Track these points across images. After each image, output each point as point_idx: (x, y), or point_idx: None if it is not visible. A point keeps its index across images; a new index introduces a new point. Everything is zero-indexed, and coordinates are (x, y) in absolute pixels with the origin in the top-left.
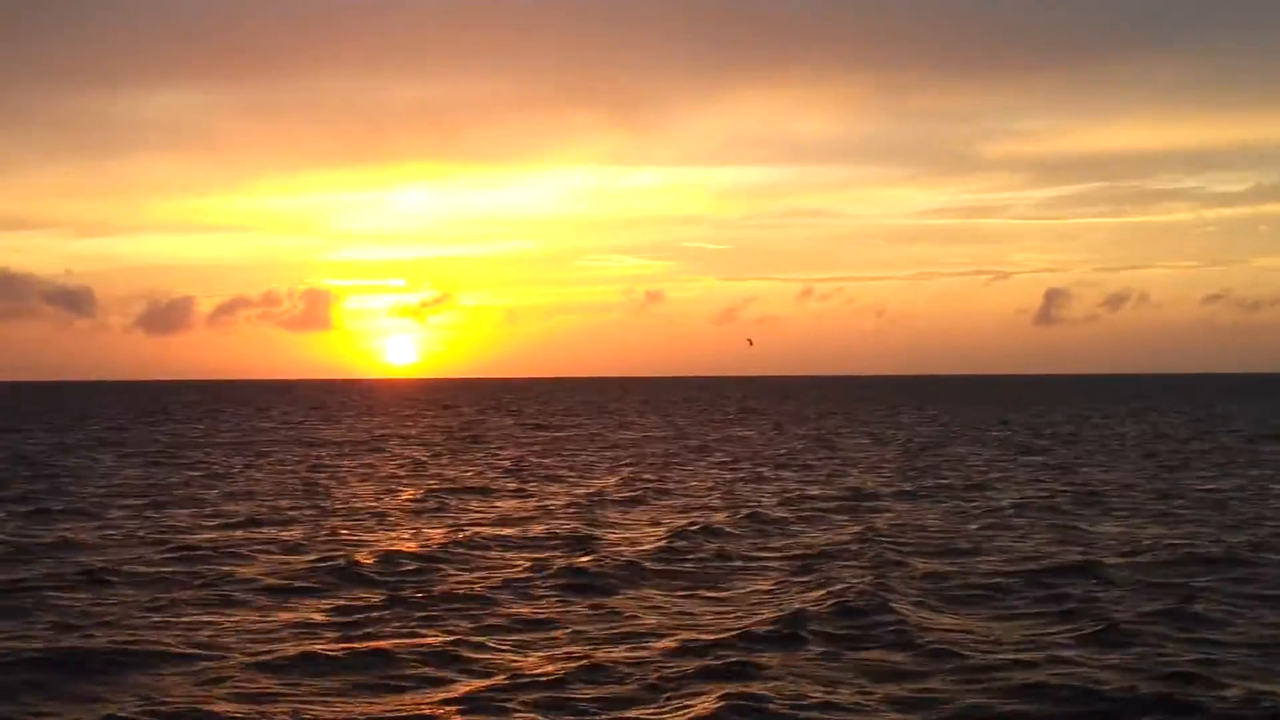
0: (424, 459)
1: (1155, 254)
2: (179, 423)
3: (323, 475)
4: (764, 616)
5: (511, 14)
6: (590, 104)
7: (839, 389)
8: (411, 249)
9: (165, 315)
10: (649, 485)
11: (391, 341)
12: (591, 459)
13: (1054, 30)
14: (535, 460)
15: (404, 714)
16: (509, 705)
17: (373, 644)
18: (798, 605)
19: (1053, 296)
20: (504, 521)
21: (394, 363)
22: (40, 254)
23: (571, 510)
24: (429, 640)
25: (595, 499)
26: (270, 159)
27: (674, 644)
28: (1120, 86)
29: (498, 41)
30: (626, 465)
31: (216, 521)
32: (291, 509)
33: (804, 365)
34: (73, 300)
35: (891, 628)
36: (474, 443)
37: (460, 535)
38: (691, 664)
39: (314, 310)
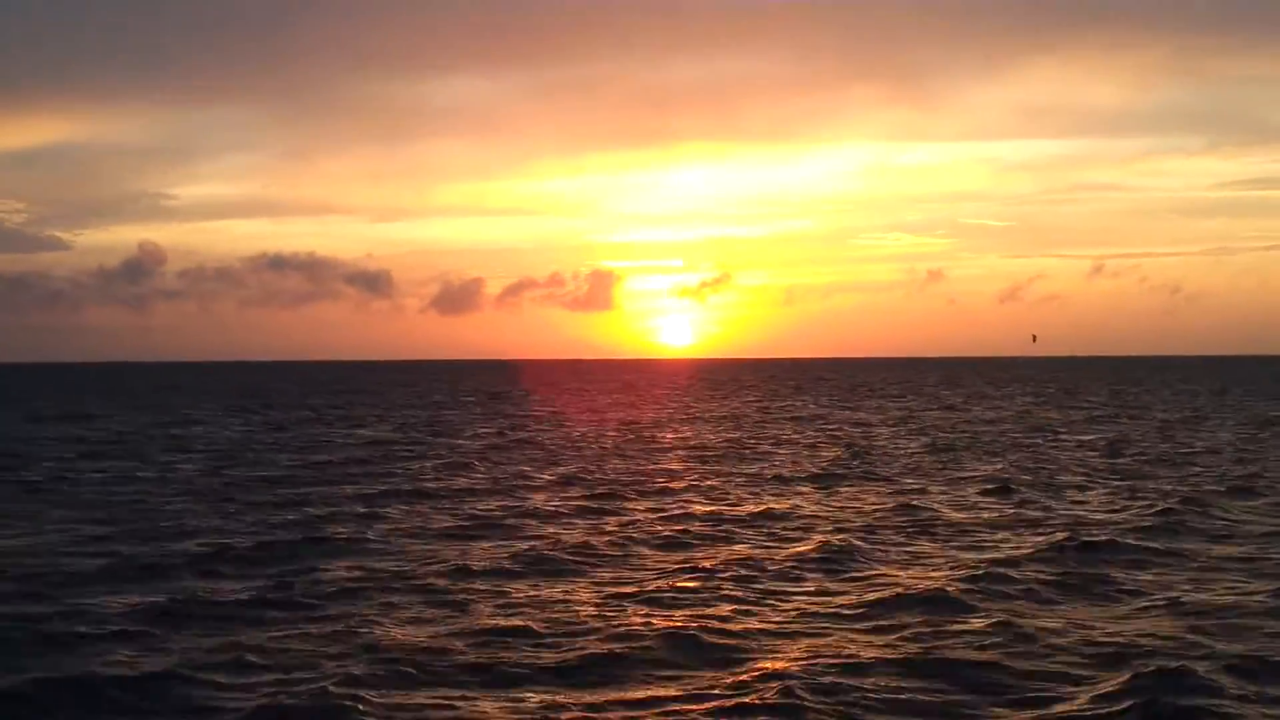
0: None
1: None
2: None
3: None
4: None
5: None
6: (870, 79)
7: (1176, 370)
8: (690, 229)
9: (456, 296)
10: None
11: (671, 321)
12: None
13: None
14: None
15: None
16: None
17: None
18: None
19: None
20: None
21: (674, 343)
22: (343, 238)
23: None
24: None
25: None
26: (552, 142)
27: None
28: None
29: (778, 19)
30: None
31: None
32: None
33: (1092, 345)
34: (372, 282)
35: None
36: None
37: None
38: None
39: (597, 291)
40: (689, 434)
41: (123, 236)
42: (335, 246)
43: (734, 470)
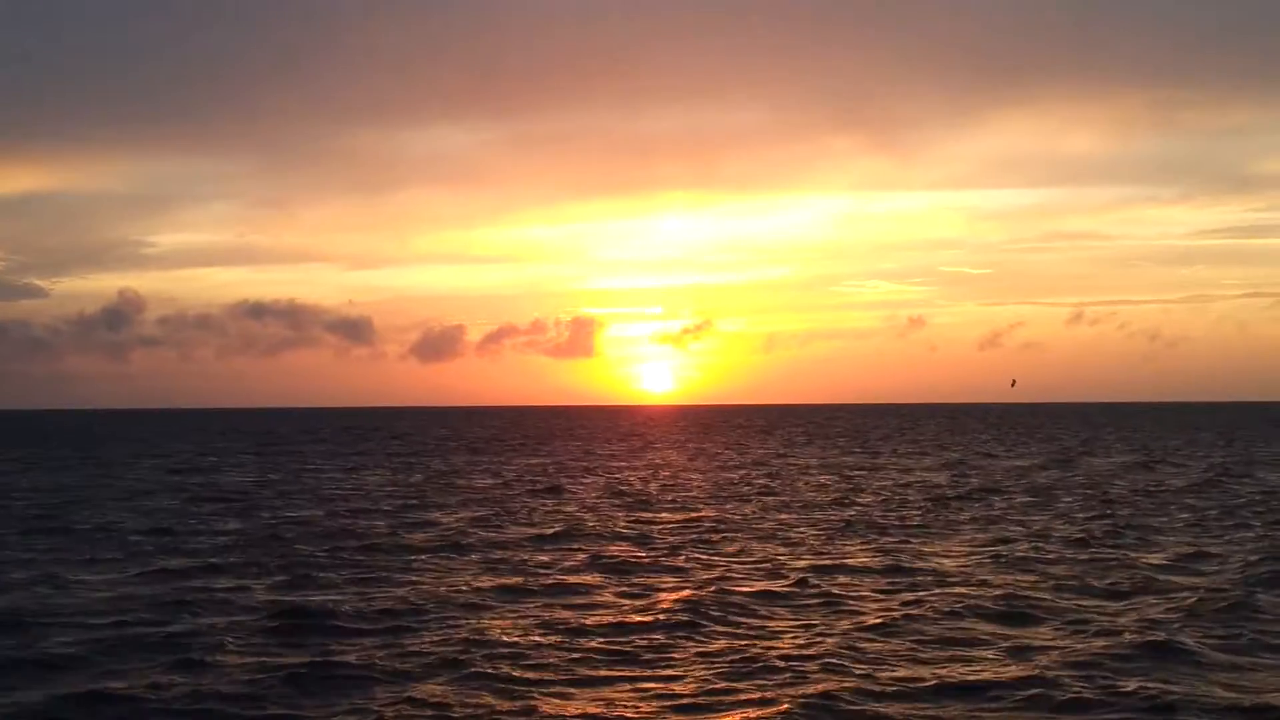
0: None
1: None
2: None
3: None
4: None
5: (769, 43)
6: (848, 130)
7: (1159, 419)
8: (670, 276)
9: (437, 343)
10: None
11: (653, 368)
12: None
13: None
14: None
15: None
16: None
17: None
18: None
19: None
20: None
21: (655, 389)
22: (323, 286)
23: None
24: None
25: None
26: (533, 190)
27: None
28: None
29: (756, 72)
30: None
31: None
32: None
33: (1071, 392)
34: (354, 329)
35: None
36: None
37: None
38: None
39: (578, 338)
40: (776, 481)
41: (101, 284)
42: (316, 294)
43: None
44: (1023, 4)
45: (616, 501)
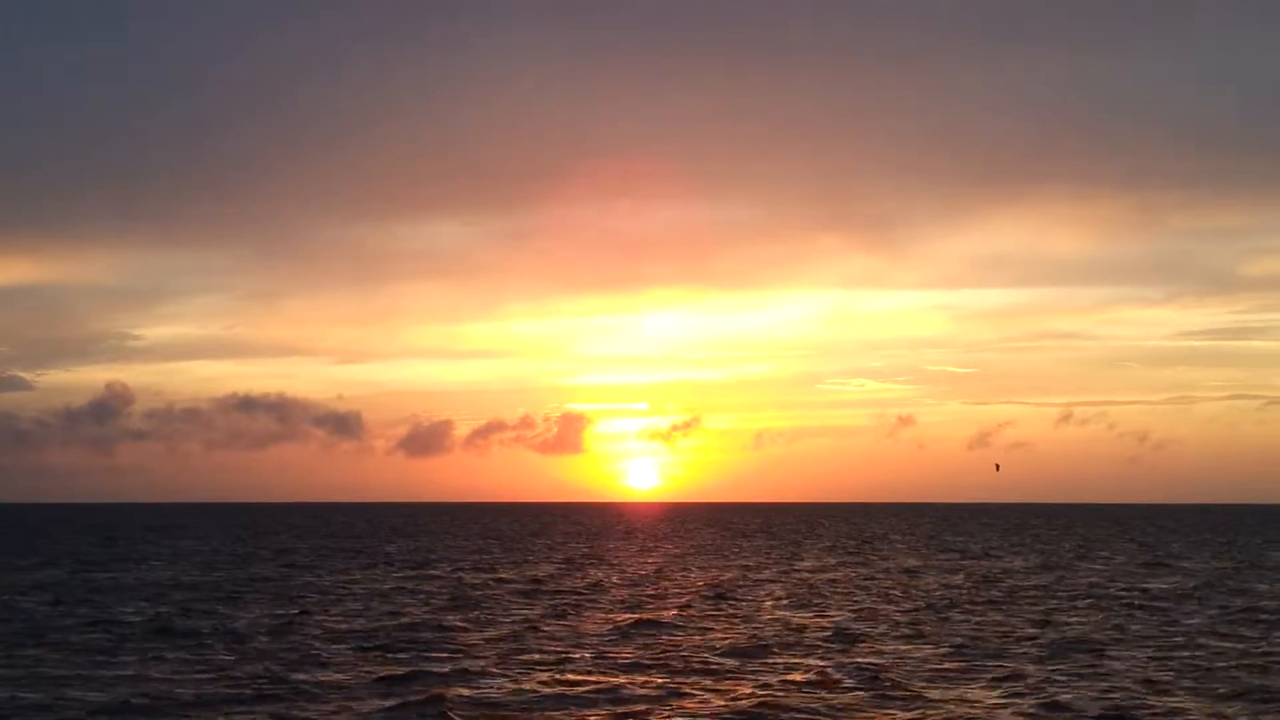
0: None
1: None
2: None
3: None
4: None
5: (758, 141)
6: (836, 228)
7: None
8: (658, 373)
9: (426, 438)
10: None
11: (643, 464)
12: None
13: None
14: None
15: None
16: None
17: None
18: None
19: None
20: None
21: (643, 486)
22: (311, 379)
23: None
24: None
25: None
26: (522, 285)
27: None
28: None
29: (745, 169)
30: None
31: None
32: None
33: (1061, 492)
34: (342, 424)
35: None
36: None
37: None
38: None
39: (566, 434)
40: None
41: (87, 377)
42: (304, 387)
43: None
44: (1009, 107)
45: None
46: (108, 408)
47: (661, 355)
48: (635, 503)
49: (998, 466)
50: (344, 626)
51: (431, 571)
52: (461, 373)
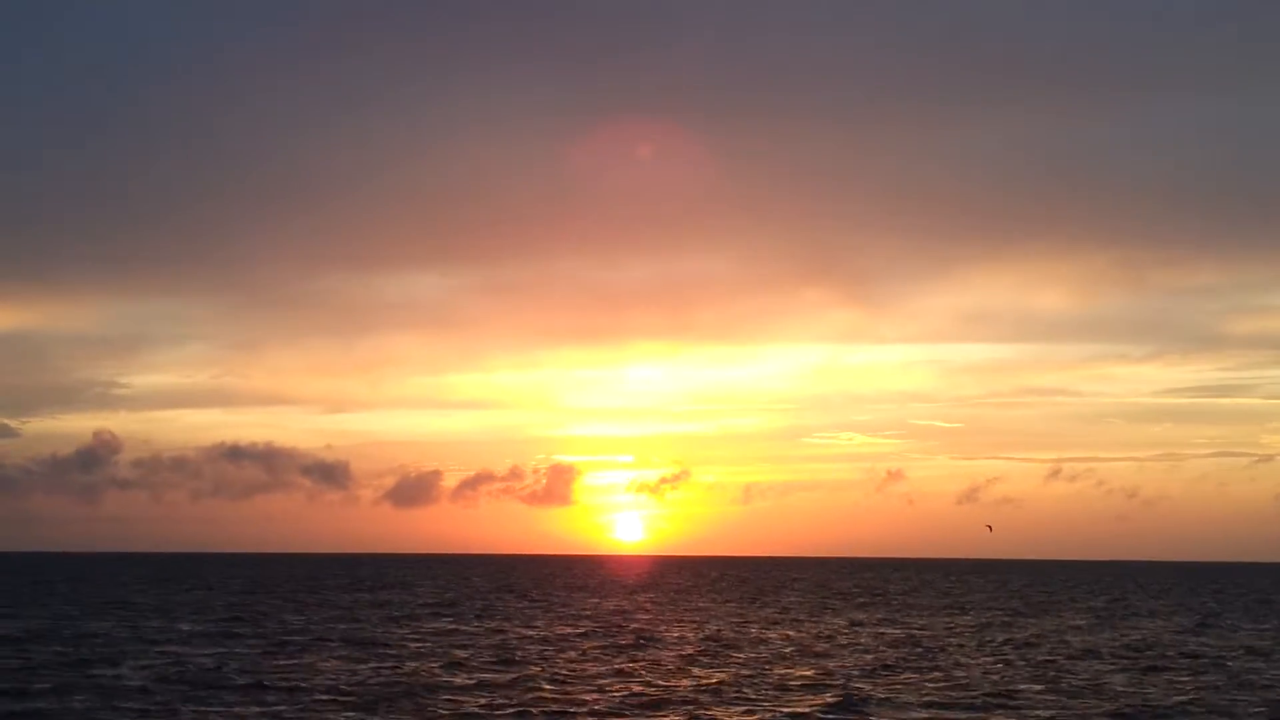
0: None
1: None
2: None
3: None
4: None
5: (743, 196)
6: (820, 282)
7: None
8: (646, 425)
9: (413, 489)
10: None
11: (630, 517)
12: None
13: None
14: None
15: None
16: None
17: None
18: None
19: None
20: None
21: (632, 538)
22: (298, 429)
23: None
24: None
25: None
26: (507, 337)
27: None
28: None
29: (729, 224)
30: None
31: None
32: None
33: (1051, 549)
34: (330, 473)
35: None
36: None
37: None
38: None
39: (555, 486)
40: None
41: (72, 425)
42: (291, 436)
43: None
44: (992, 164)
45: None
46: (95, 456)
47: (648, 408)
48: (625, 555)
49: (990, 528)
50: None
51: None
52: (449, 423)
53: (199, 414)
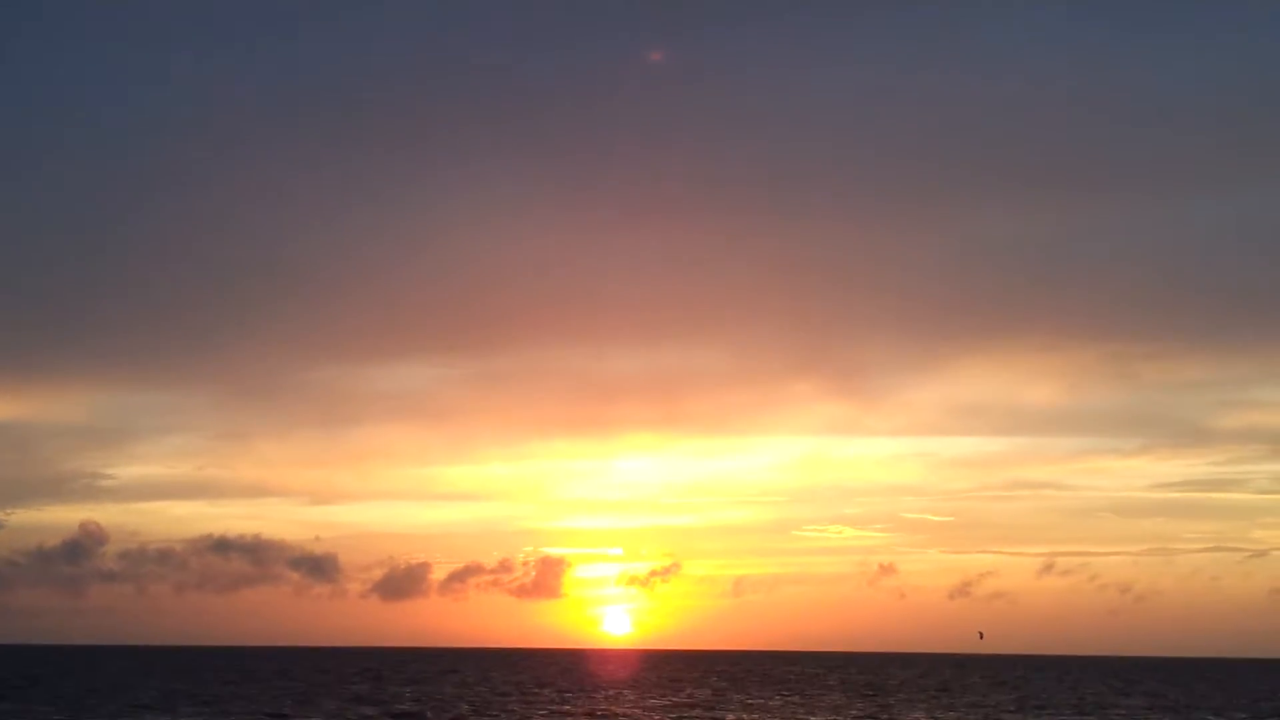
0: None
1: None
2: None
3: None
4: None
5: (732, 289)
6: (810, 375)
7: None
8: (635, 518)
9: (402, 581)
10: None
11: (621, 610)
12: None
13: None
14: None
15: None
16: None
17: None
18: None
19: None
20: None
21: (621, 632)
22: (284, 521)
23: None
24: None
25: None
26: (496, 428)
27: None
28: None
29: (719, 315)
30: None
31: None
32: None
33: (1046, 644)
34: (317, 566)
35: None
36: None
37: None
38: None
39: (544, 578)
40: None
41: (57, 516)
42: (278, 529)
43: None
44: (980, 259)
45: None
46: (81, 547)
47: (637, 500)
48: (614, 649)
49: (981, 635)
50: None
51: None
52: (437, 514)
53: (186, 505)
